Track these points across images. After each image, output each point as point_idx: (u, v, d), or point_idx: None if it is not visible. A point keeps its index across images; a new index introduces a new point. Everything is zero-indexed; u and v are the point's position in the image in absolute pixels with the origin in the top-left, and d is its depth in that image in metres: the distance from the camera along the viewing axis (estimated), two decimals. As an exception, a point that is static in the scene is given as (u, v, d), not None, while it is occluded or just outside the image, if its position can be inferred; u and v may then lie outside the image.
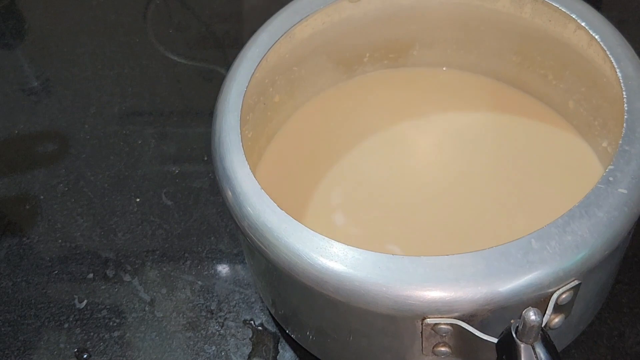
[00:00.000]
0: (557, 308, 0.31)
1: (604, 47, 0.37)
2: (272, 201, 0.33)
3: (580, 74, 0.41)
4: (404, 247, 0.40)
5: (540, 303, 0.30)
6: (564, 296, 0.30)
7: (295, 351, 0.42)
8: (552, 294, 0.30)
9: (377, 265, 0.30)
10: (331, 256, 0.31)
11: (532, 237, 0.30)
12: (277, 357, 0.42)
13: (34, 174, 0.52)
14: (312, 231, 0.32)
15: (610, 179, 0.32)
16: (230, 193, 0.35)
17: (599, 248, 0.31)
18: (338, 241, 0.31)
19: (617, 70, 0.36)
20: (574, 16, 0.39)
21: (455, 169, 0.44)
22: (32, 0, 0.64)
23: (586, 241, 0.30)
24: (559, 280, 0.30)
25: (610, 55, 0.37)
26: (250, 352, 0.43)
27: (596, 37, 0.38)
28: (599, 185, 0.32)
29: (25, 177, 0.52)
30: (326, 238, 0.32)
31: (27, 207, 0.51)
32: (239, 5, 0.62)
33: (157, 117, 0.55)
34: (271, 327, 0.44)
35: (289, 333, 0.41)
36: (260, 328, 0.44)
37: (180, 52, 0.59)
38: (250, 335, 0.43)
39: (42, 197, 0.51)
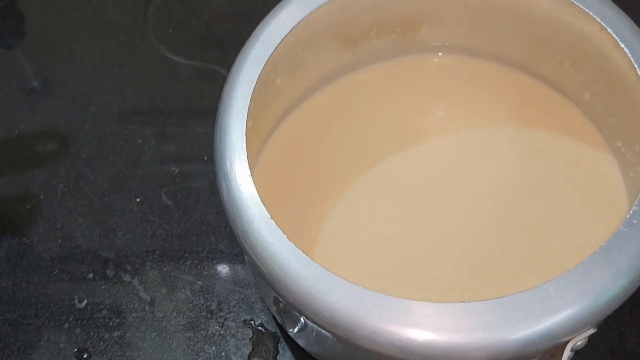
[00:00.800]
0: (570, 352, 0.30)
1: (630, 55, 0.36)
2: (283, 234, 0.32)
3: (600, 71, 0.40)
4: (413, 285, 0.39)
5: (555, 350, 0.30)
6: (579, 343, 0.30)
7: (295, 351, 0.42)
8: (567, 342, 0.30)
9: (389, 309, 0.30)
10: (340, 296, 0.30)
11: (552, 285, 0.30)
12: (277, 357, 0.42)
13: (34, 174, 0.52)
14: (322, 267, 0.31)
15: (634, 221, 0.31)
16: (238, 221, 0.34)
17: (618, 296, 0.30)
18: (346, 279, 0.30)
19: None
20: (598, 19, 0.38)
21: (471, 180, 0.42)
22: (32, 0, 0.64)
23: (606, 290, 0.30)
24: (576, 330, 0.30)
25: (636, 66, 0.36)
26: (250, 352, 0.43)
27: (622, 45, 0.36)
28: (622, 229, 0.31)
29: (25, 176, 0.52)
30: (335, 276, 0.31)
31: (27, 206, 0.51)
32: (239, 5, 0.62)
33: (157, 117, 0.55)
34: (271, 327, 0.44)
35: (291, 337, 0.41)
36: (260, 328, 0.44)
37: (180, 52, 0.59)
38: (250, 336, 0.43)
39: (42, 196, 0.51)
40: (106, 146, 0.54)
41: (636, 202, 0.32)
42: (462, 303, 0.29)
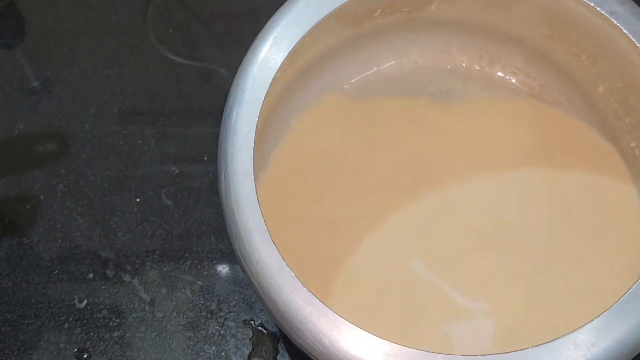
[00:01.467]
0: None
1: None
2: (297, 279, 0.31)
3: (618, 70, 0.39)
4: (436, 318, 0.38)
5: None
6: None
7: (295, 351, 0.42)
8: None
9: None
10: (356, 347, 0.30)
11: (578, 334, 0.29)
12: (277, 357, 0.42)
13: (34, 174, 0.52)
14: (337, 315, 0.30)
15: None
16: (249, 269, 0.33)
17: (638, 345, 0.30)
18: (360, 327, 0.30)
19: None
20: (617, 22, 0.37)
21: (487, 201, 0.41)
22: (32, 0, 0.64)
23: (628, 342, 0.29)
24: None
25: None
26: (250, 352, 0.43)
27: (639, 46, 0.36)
28: None
29: (25, 177, 0.52)
30: (347, 322, 0.30)
31: (27, 207, 0.51)
32: (239, 5, 0.62)
33: (157, 117, 0.55)
34: (271, 327, 0.43)
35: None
36: (260, 328, 0.44)
37: (180, 52, 0.59)
38: (250, 335, 0.43)
39: (42, 197, 0.51)
40: (106, 146, 0.53)
41: None
42: (486, 356, 0.29)
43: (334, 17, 0.41)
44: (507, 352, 0.29)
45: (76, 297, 0.46)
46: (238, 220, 0.33)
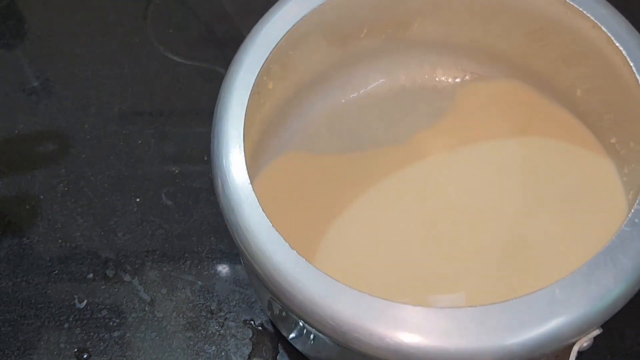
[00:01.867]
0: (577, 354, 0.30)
1: (623, 51, 0.36)
2: (285, 242, 0.32)
3: (595, 68, 0.40)
4: (417, 292, 0.39)
5: (561, 352, 0.30)
6: (585, 344, 0.30)
7: (295, 351, 0.42)
8: (573, 343, 0.30)
9: (393, 315, 0.29)
10: (344, 303, 0.30)
11: (557, 287, 0.30)
12: (277, 357, 0.42)
13: (34, 174, 0.52)
14: (325, 275, 0.31)
15: (636, 220, 0.31)
16: (241, 241, 0.33)
17: (623, 296, 0.30)
18: (350, 286, 0.30)
19: (636, 74, 0.35)
20: (591, 16, 0.38)
21: (470, 182, 0.42)
22: (32, 0, 0.64)
23: (611, 290, 0.30)
24: (582, 331, 0.30)
25: (631, 62, 0.36)
26: (251, 352, 0.43)
27: (617, 43, 0.36)
28: (624, 229, 0.31)
29: (25, 177, 0.52)
30: (340, 283, 0.30)
31: (27, 207, 0.51)
32: (239, 6, 0.62)
33: (157, 117, 0.55)
34: (271, 327, 0.43)
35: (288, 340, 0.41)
36: (260, 328, 0.44)
37: (180, 52, 0.59)
38: (251, 335, 0.43)
39: (42, 197, 0.51)
40: (106, 146, 0.54)
41: (637, 201, 0.32)
42: (467, 308, 0.29)
43: (322, 34, 0.42)
44: (488, 305, 0.29)
45: (76, 297, 0.46)
46: (228, 193, 0.34)
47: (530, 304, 0.29)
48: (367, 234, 0.41)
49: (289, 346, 0.43)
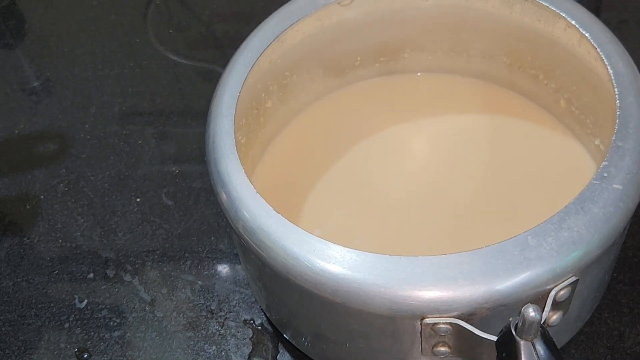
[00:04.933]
0: (556, 305, 0.31)
1: (594, 44, 0.37)
2: (267, 204, 0.33)
3: (571, 72, 0.41)
4: (401, 248, 0.40)
5: (539, 300, 0.30)
6: (561, 293, 0.30)
7: (295, 351, 0.42)
8: (550, 290, 0.30)
9: (375, 266, 0.30)
10: (328, 258, 0.31)
11: (529, 234, 0.30)
12: (277, 357, 0.42)
13: (34, 174, 0.53)
14: (308, 233, 0.32)
15: (605, 174, 0.32)
16: (225, 196, 0.35)
17: (596, 244, 0.31)
18: (335, 243, 0.31)
19: (608, 66, 0.36)
20: (563, 14, 0.39)
21: (450, 171, 0.44)
22: (32, 0, 0.64)
23: (582, 237, 0.30)
24: (557, 277, 0.30)
25: (600, 53, 0.37)
26: (251, 352, 0.43)
27: (586, 34, 0.37)
28: (594, 182, 0.32)
29: (25, 177, 0.52)
30: (323, 240, 0.31)
31: (27, 207, 0.51)
32: (239, 5, 0.62)
33: (157, 117, 0.55)
34: (271, 327, 0.44)
35: (287, 338, 0.41)
36: (260, 328, 0.44)
37: (180, 52, 0.59)
38: (251, 335, 0.44)
39: (42, 197, 0.51)
40: (106, 146, 0.54)
41: (606, 156, 0.32)
42: (444, 255, 0.30)
43: (318, 59, 0.45)
44: (463, 252, 0.30)
45: (76, 297, 0.46)
46: (216, 157, 0.37)
47: (503, 251, 0.30)
48: (350, 196, 0.43)
49: (289, 346, 0.43)
